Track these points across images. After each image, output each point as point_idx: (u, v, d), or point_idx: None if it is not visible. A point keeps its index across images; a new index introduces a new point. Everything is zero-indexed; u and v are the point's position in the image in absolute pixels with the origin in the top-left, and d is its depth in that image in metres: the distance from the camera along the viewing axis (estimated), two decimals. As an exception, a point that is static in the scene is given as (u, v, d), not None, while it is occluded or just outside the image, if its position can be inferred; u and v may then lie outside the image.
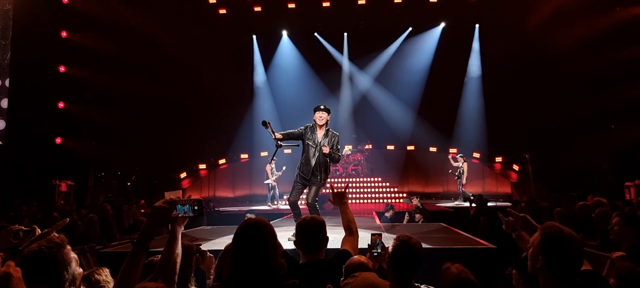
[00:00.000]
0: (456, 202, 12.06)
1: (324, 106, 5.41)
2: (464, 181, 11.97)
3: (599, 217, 4.69)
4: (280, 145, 5.24)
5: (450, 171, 12.63)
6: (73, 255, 1.45)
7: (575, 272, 1.68)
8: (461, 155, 12.42)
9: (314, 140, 5.30)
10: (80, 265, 1.65)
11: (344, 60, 16.26)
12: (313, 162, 5.26)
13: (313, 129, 5.37)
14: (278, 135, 5.16)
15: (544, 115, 13.28)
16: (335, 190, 2.93)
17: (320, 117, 5.33)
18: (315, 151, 5.28)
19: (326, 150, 5.18)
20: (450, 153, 13.62)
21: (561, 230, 1.69)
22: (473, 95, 14.59)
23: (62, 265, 1.40)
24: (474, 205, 8.85)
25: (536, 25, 13.26)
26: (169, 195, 1.83)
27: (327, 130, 5.35)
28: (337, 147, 5.34)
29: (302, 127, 5.42)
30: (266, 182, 12.64)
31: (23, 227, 2.14)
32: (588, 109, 12.34)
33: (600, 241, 4.41)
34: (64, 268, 1.40)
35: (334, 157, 5.31)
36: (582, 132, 12.54)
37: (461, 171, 11.98)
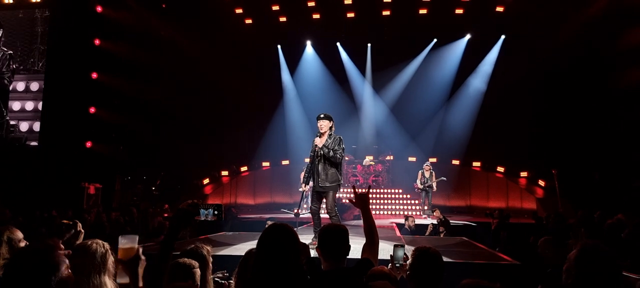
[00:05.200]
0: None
1: (324, 114, 5.48)
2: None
3: (630, 236, 4.55)
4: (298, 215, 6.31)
5: (421, 185, 11.49)
6: (63, 259, 1.56)
7: None
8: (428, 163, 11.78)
9: (314, 148, 5.41)
10: None
11: (367, 71, 16.27)
12: (319, 168, 5.37)
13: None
14: (303, 187, 5.88)
15: (572, 128, 12.91)
16: (358, 191, 2.82)
17: (320, 125, 5.43)
18: (315, 158, 5.39)
19: (319, 142, 5.35)
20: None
21: (597, 247, 1.66)
22: (495, 108, 14.28)
23: (52, 269, 1.51)
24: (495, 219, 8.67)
25: (566, 36, 12.95)
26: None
27: (330, 136, 5.40)
28: (336, 148, 5.32)
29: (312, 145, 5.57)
30: (301, 189, 12.83)
31: (65, 221, 2.28)
32: (619, 122, 11.94)
33: (630, 261, 4.27)
34: (54, 272, 1.51)
35: (329, 156, 5.29)
36: (613, 147, 12.10)
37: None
